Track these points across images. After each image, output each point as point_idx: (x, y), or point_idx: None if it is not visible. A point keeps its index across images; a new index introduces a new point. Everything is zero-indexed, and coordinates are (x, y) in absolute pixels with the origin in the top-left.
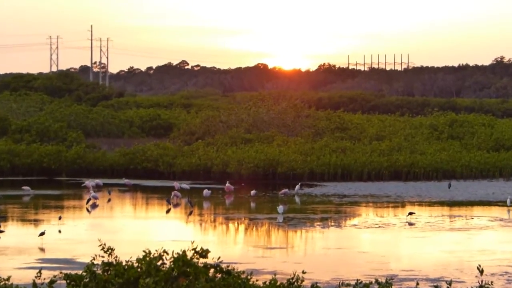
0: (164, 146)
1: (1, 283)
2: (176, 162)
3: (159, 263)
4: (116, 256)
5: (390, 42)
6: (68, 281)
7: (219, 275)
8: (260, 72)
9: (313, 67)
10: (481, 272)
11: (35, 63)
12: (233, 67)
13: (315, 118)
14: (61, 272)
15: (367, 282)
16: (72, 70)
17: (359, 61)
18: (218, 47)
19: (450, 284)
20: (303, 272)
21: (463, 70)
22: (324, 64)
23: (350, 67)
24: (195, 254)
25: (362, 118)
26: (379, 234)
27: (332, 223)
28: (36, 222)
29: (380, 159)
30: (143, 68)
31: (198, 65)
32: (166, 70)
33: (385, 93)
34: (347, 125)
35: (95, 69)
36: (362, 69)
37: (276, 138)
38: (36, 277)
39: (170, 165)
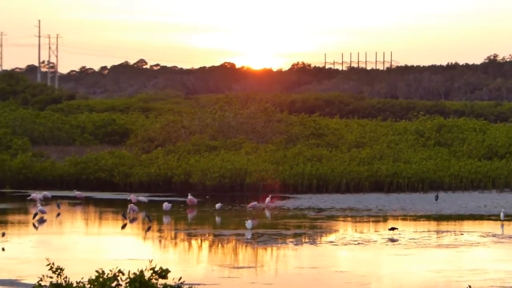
0: (119, 154)
1: None
2: (133, 172)
3: (113, 284)
4: (66, 277)
5: (371, 39)
6: None
7: None
8: (226, 72)
9: (285, 67)
10: None
11: None
12: (196, 66)
13: (287, 123)
14: None
15: None
16: (18, 70)
17: (336, 60)
18: (180, 44)
19: None
20: None
21: (452, 69)
22: (297, 63)
23: (327, 66)
24: (154, 275)
25: (340, 123)
26: (359, 252)
27: (307, 240)
28: None
29: (359, 169)
30: (96, 68)
31: (157, 65)
32: (122, 70)
33: (366, 95)
34: (323, 131)
35: (43, 69)
36: (340, 68)
37: (244, 145)
38: None
39: (126, 176)
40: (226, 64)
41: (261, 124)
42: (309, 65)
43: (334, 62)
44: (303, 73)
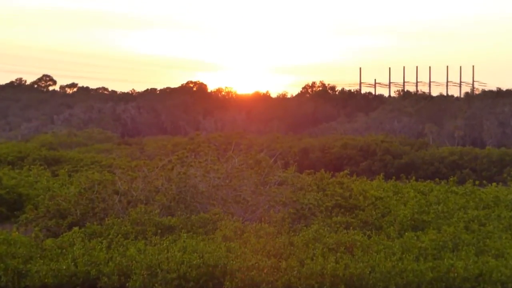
0: (7, 239)
1: None
2: (31, 270)
3: None
4: None
5: (438, 44)
6: None
7: None
8: (192, 99)
9: (292, 90)
10: None
11: None
12: (140, 88)
13: (296, 187)
14: None
15: None
16: None
17: (380, 79)
18: (113, 50)
19: None
20: None
21: None
22: (313, 84)
23: (364, 89)
24: None
25: (386, 188)
26: None
27: None
28: None
29: (419, 266)
30: None
31: (73, 84)
32: (12, 93)
33: (430, 140)
34: (356, 201)
35: None
36: (387, 93)
37: (222, 225)
38: None
39: (19, 275)
40: (191, 84)
41: (251, 188)
42: (333, 88)
43: (375, 83)
44: (323, 101)
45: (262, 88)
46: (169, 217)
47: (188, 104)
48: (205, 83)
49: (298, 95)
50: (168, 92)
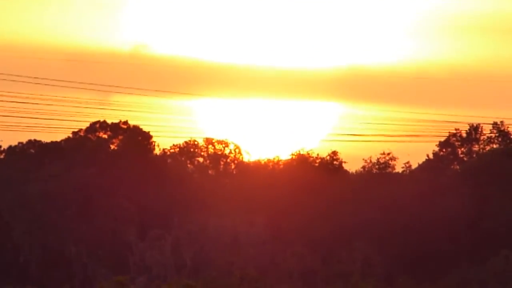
0: None
1: None
2: None
3: None
4: None
5: None
6: None
7: None
8: (107, 177)
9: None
10: None
11: None
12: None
13: None
14: None
15: None
16: None
17: None
18: None
19: None
20: None
21: None
22: (478, 129)
23: None
24: None
25: None
26: None
27: None
28: None
29: None
30: None
31: None
32: None
33: None
34: None
35: None
36: None
37: None
38: None
39: None
40: (104, 134)
41: None
42: None
43: None
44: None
45: (300, 142)
46: None
47: (94, 191)
48: (146, 129)
49: (419, 169)
50: (37, 155)
